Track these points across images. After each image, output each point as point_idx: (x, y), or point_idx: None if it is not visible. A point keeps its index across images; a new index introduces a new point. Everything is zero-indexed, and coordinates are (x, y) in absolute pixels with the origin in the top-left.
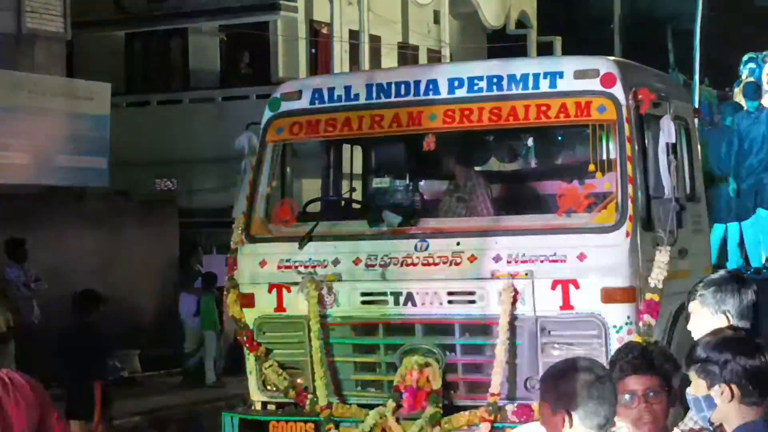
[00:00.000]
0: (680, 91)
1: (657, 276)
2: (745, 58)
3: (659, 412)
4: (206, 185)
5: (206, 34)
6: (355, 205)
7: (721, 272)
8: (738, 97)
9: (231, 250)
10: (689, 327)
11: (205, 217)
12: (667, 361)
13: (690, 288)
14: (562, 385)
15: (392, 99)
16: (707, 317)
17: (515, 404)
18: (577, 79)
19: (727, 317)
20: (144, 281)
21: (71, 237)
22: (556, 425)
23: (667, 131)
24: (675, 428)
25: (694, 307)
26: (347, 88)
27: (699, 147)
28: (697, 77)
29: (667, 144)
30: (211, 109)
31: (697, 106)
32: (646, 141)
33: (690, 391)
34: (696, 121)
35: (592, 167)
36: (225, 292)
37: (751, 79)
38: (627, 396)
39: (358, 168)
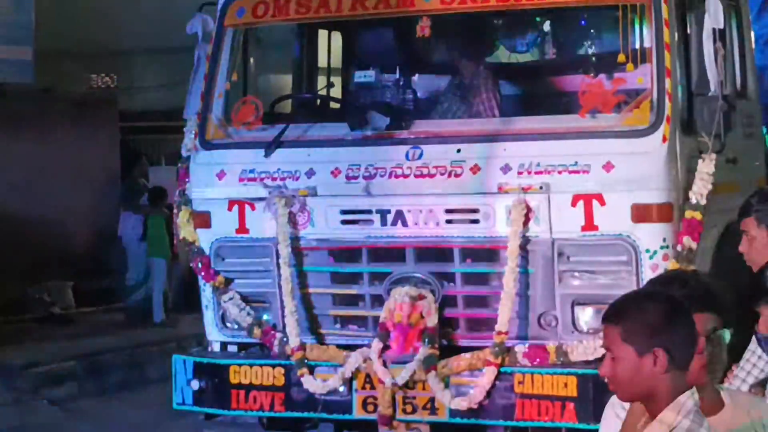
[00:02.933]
0: None
1: (699, 189)
2: None
3: (718, 356)
4: (152, 81)
5: None
6: (334, 104)
7: None
8: None
9: (182, 159)
10: (741, 249)
11: (150, 120)
12: (724, 294)
13: (742, 203)
14: (653, 317)
15: None
16: (764, 238)
17: (526, 345)
18: None
19: None
20: (77, 198)
21: None
22: (641, 370)
23: (714, 13)
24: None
25: (748, 225)
26: None
27: (752, 33)
28: None
29: (713, 29)
30: None
31: None
32: (688, 26)
33: (761, 329)
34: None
35: (622, 58)
36: (175, 210)
37: None
38: None
39: (337, 60)
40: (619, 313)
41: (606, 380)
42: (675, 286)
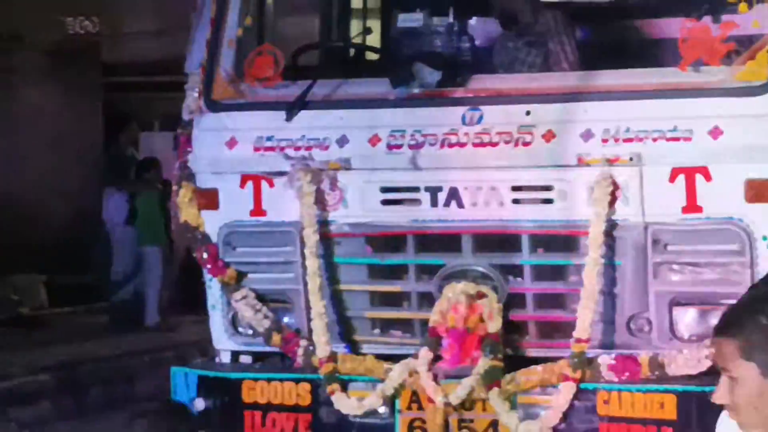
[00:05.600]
0: None
1: None
2: None
3: None
4: (143, 27)
5: None
6: (372, 55)
7: None
8: None
9: (183, 123)
10: None
11: (141, 75)
12: None
13: None
14: None
15: None
16: None
17: (612, 355)
18: None
19: None
20: (51, 172)
21: None
22: (765, 393)
23: None
24: None
25: None
26: None
27: None
28: None
29: None
30: None
31: None
32: None
33: None
34: None
35: None
36: (174, 188)
37: None
38: None
39: None
40: (736, 323)
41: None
42: None
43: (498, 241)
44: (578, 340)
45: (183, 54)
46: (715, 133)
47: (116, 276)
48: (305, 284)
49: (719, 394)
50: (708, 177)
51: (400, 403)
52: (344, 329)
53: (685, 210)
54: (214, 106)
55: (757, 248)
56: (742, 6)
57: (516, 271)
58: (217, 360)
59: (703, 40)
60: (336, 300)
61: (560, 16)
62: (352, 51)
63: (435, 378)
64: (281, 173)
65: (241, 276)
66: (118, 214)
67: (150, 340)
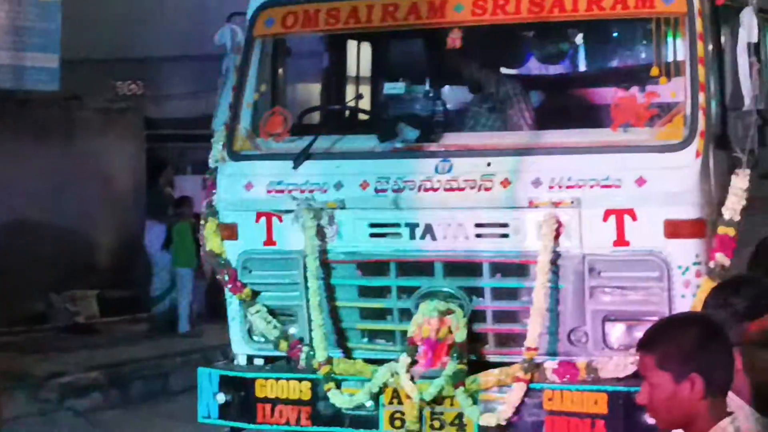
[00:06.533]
0: None
1: (733, 205)
2: None
3: None
4: (179, 90)
5: None
6: (363, 116)
7: None
8: None
9: (210, 169)
10: None
11: (177, 128)
12: None
13: None
14: (688, 343)
15: None
16: None
17: (556, 361)
18: None
19: None
20: (103, 207)
21: (13, 152)
22: (678, 397)
23: (749, 27)
24: None
25: None
26: None
27: None
28: None
29: (748, 43)
30: None
31: None
32: (723, 39)
33: None
34: None
35: (655, 71)
36: (202, 221)
37: None
38: None
39: (366, 70)
40: (654, 340)
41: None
42: (746, 287)
43: (464, 268)
44: (528, 349)
45: (211, 113)
46: (640, 182)
47: (155, 292)
48: (307, 301)
49: (641, 396)
50: (634, 217)
51: (383, 399)
52: (339, 338)
53: (615, 244)
54: (235, 156)
55: (673, 276)
56: (662, 79)
57: (478, 292)
58: (235, 362)
59: (631, 106)
60: (332, 314)
61: (518, 85)
62: (347, 112)
63: (412, 378)
64: (289, 211)
65: (255, 294)
66: (157, 242)
67: (182, 344)
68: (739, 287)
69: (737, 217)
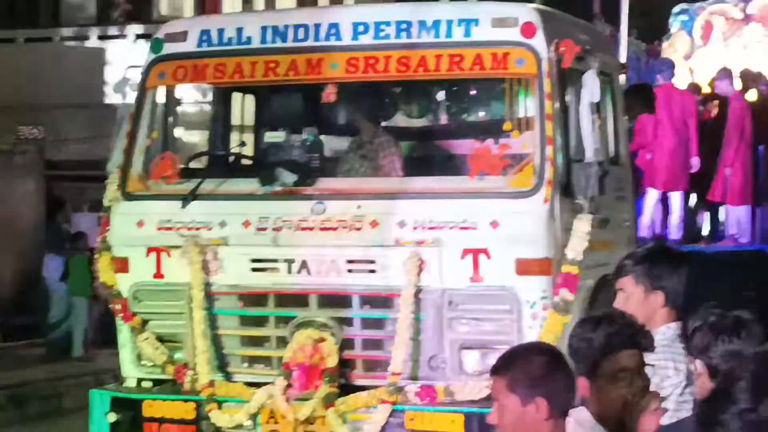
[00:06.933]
0: (605, 43)
1: (576, 247)
2: (677, 9)
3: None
4: (76, 134)
5: None
6: (246, 161)
7: (652, 245)
8: (667, 51)
9: (104, 208)
10: (617, 305)
11: (74, 170)
12: (648, 332)
13: (614, 261)
14: (534, 369)
15: (289, 44)
16: (640, 295)
17: (418, 384)
18: (495, 28)
19: (665, 295)
20: (4, 241)
21: None
22: (525, 418)
23: (591, 88)
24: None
25: (625, 283)
26: (239, 30)
27: (624, 106)
28: (624, 29)
29: (590, 102)
30: (84, 49)
31: (623, 60)
32: (568, 98)
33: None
34: (622, 77)
35: (508, 126)
36: (96, 255)
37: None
38: (621, 374)
39: (249, 119)
40: (505, 366)
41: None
42: (604, 325)
43: (336, 300)
44: (393, 374)
45: (106, 156)
46: (494, 224)
47: (52, 319)
48: (192, 329)
49: (492, 417)
50: (488, 256)
51: (261, 419)
52: (221, 363)
53: (471, 279)
54: (128, 197)
55: (523, 309)
56: (515, 133)
57: (349, 321)
58: (125, 384)
59: (487, 157)
60: (215, 341)
61: (387, 135)
62: (231, 157)
63: (287, 400)
64: (177, 247)
65: (145, 322)
66: (55, 273)
67: (76, 367)
68: (599, 324)
69: (580, 257)
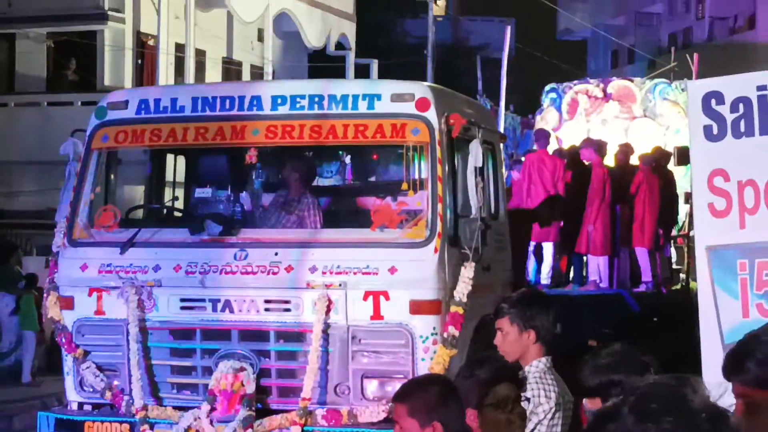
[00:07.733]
0: (488, 116)
1: (462, 290)
2: (547, 88)
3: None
4: (27, 187)
5: (34, 40)
6: (178, 214)
7: (525, 290)
8: (539, 124)
9: (53, 253)
10: (496, 343)
11: (25, 218)
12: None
13: (494, 304)
14: (431, 397)
15: (217, 112)
16: (515, 333)
17: (325, 408)
18: (394, 102)
19: (536, 333)
20: None
21: None
22: None
23: (476, 155)
24: None
25: (502, 323)
26: (173, 100)
27: (503, 169)
28: (503, 104)
29: (475, 167)
30: (36, 114)
31: (502, 131)
32: (456, 163)
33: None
34: (501, 145)
35: (405, 185)
36: (45, 294)
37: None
38: (502, 402)
39: (181, 177)
40: (406, 393)
41: None
42: (488, 364)
43: (255, 335)
44: (303, 399)
45: (54, 207)
46: (392, 270)
47: (3, 349)
48: (129, 360)
49: None
50: (387, 297)
51: None
52: (153, 389)
53: (372, 317)
54: (74, 243)
55: (416, 343)
56: (410, 192)
57: (266, 354)
58: (68, 407)
59: (387, 212)
60: (148, 370)
61: (309, 192)
62: (165, 210)
63: (211, 422)
64: (116, 287)
65: (86, 353)
66: (7, 309)
67: (25, 392)
68: (484, 362)
69: (465, 299)
